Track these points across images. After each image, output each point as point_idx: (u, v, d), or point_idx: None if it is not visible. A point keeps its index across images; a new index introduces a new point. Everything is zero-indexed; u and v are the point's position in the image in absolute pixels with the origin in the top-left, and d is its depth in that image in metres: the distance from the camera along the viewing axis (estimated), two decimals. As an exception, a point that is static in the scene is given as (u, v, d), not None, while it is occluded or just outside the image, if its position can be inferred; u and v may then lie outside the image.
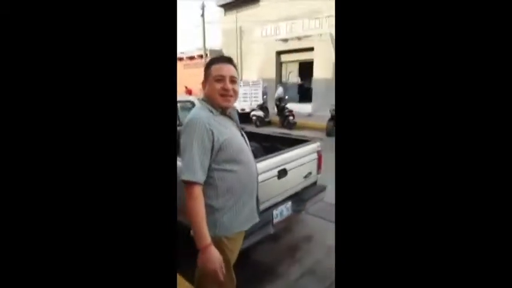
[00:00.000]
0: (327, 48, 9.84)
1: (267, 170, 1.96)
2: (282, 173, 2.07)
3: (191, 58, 15.17)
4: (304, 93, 11.25)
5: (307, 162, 2.35)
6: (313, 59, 10.54)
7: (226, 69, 1.13)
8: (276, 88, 9.75)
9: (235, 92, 1.14)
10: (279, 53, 11.65)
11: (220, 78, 1.11)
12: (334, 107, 7.68)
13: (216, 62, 1.15)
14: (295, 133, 7.87)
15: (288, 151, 2.20)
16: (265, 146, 3.10)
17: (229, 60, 1.16)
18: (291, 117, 8.40)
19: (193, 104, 3.53)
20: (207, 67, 1.16)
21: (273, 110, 9.88)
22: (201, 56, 13.41)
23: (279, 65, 11.90)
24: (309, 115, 10.05)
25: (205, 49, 12.31)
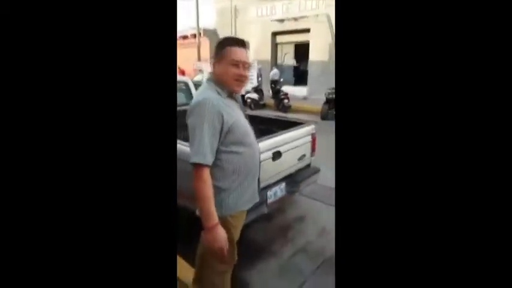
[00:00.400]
0: (324, 30, 9.68)
1: (262, 152, 1.98)
2: (277, 155, 2.09)
3: (184, 37, 14.76)
4: (300, 76, 11.14)
5: (302, 144, 2.37)
6: (309, 41, 10.37)
7: (244, 55, 1.12)
8: (271, 70, 9.63)
9: (247, 78, 1.16)
10: (275, 34, 11.41)
11: (236, 64, 1.10)
12: (330, 91, 7.65)
13: (232, 43, 1.11)
14: (290, 116, 7.87)
15: (283, 133, 2.21)
16: (260, 128, 3.10)
17: (245, 45, 1.13)
18: (285, 100, 8.36)
19: (186, 85, 3.46)
20: (221, 47, 1.12)
21: (267, 92, 9.80)
22: (194, 36, 13.05)
23: (275, 46, 11.69)
24: (304, 98, 10.00)
25: (198, 28, 11.96)
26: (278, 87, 8.57)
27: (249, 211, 1.66)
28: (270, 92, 8.89)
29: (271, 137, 2.11)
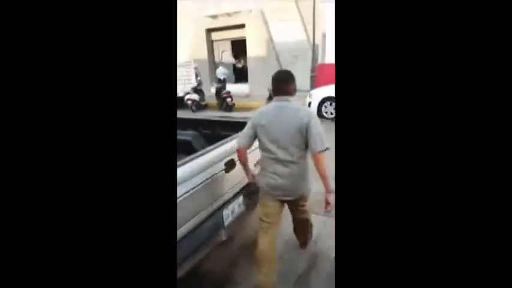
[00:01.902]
0: (259, 25, 9.55)
1: (212, 164, 1.59)
2: (230, 165, 1.72)
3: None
4: (240, 73, 10.88)
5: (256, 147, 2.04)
6: (245, 37, 10.15)
7: None
8: (216, 68, 9.18)
9: None
10: (209, 31, 10.94)
11: None
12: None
13: None
14: (235, 115, 7.57)
15: (233, 138, 1.85)
16: (205, 133, 2.69)
17: None
18: (229, 99, 8.01)
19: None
20: None
21: (208, 92, 9.34)
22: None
23: (210, 43, 11.21)
24: (247, 96, 9.78)
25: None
26: (222, 86, 8.17)
27: (204, 243, 1.52)
28: (215, 91, 8.44)
29: (220, 145, 1.73)
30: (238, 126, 2.28)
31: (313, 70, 8.30)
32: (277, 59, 9.48)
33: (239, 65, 11.10)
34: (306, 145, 1.46)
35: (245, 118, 2.47)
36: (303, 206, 1.70)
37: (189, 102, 8.31)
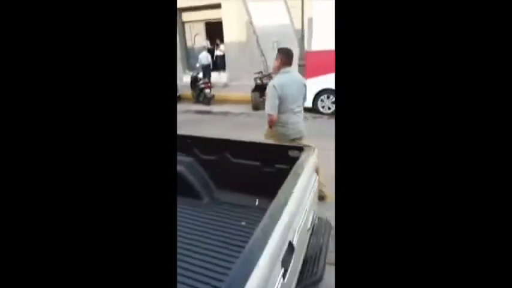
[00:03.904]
0: (237, 5, 8.48)
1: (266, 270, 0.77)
2: (288, 256, 0.92)
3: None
4: (216, 60, 9.79)
5: (310, 198, 1.25)
6: (221, 18, 9.06)
7: None
8: (199, 54, 8.07)
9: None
10: (181, 10, 9.64)
11: None
12: (259, 75, 6.66)
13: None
14: (216, 109, 6.65)
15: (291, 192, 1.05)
16: (206, 159, 1.82)
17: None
18: (207, 90, 7.04)
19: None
20: None
21: (180, 81, 8.24)
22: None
23: (182, 25, 9.94)
24: (225, 85, 8.81)
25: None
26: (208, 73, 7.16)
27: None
28: (200, 79, 7.33)
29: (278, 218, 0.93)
30: (259, 149, 1.48)
31: (301, 58, 7.48)
32: (258, 44, 8.56)
33: (219, 52, 9.92)
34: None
35: (267, 141, 1.67)
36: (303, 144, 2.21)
37: (160, 93, 7.20)
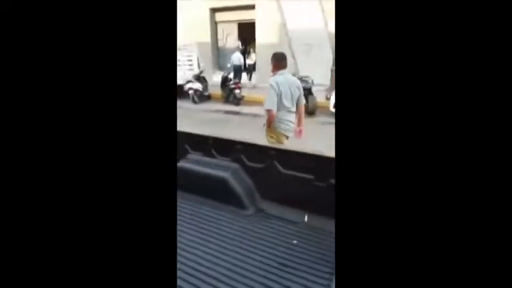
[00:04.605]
0: (271, 6, 8.39)
1: None
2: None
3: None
4: (248, 68, 9.72)
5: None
6: (254, 19, 9.00)
7: None
8: (231, 54, 8.07)
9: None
10: (214, 11, 9.70)
11: None
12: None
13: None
14: (245, 111, 6.58)
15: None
16: (251, 167, 1.72)
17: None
18: (237, 91, 7.00)
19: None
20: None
21: (210, 80, 8.26)
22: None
23: (214, 25, 9.99)
24: (254, 87, 8.73)
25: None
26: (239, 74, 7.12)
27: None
28: (231, 80, 7.30)
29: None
30: (311, 161, 1.36)
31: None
32: (290, 46, 8.42)
33: (250, 61, 9.78)
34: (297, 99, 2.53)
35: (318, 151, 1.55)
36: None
37: (191, 92, 7.24)
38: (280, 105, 2.38)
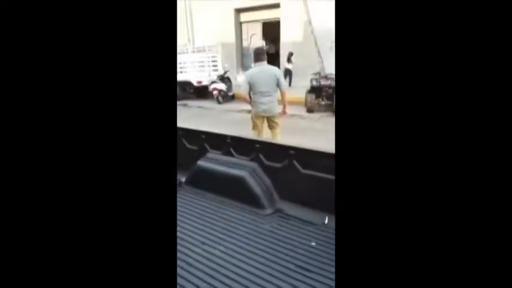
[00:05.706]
0: (296, 5, 8.28)
1: None
2: None
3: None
4: (285, 74, 9.61)
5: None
6: (279, 19, 8.93)
7: None
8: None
9: None
10: (238, 11, 9.76)
11: None
12: (315, 76, 6.40)
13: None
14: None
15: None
16: (268, 166, 1.69)
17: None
18: (260, 91, 6.97)
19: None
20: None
21: (235, 80, 8.30)
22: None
23: (239, 25, 10.06)
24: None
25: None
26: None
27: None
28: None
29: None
30: (332, 161, 1.30)
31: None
32: (316, 44, 8.25)
33: (290, 66, 9.04)
34: (276, 85, 3.05)
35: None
36: (274, 121, 3.24)
37: (215, 92, 7.33)
38: (255, 90, 3.01)
